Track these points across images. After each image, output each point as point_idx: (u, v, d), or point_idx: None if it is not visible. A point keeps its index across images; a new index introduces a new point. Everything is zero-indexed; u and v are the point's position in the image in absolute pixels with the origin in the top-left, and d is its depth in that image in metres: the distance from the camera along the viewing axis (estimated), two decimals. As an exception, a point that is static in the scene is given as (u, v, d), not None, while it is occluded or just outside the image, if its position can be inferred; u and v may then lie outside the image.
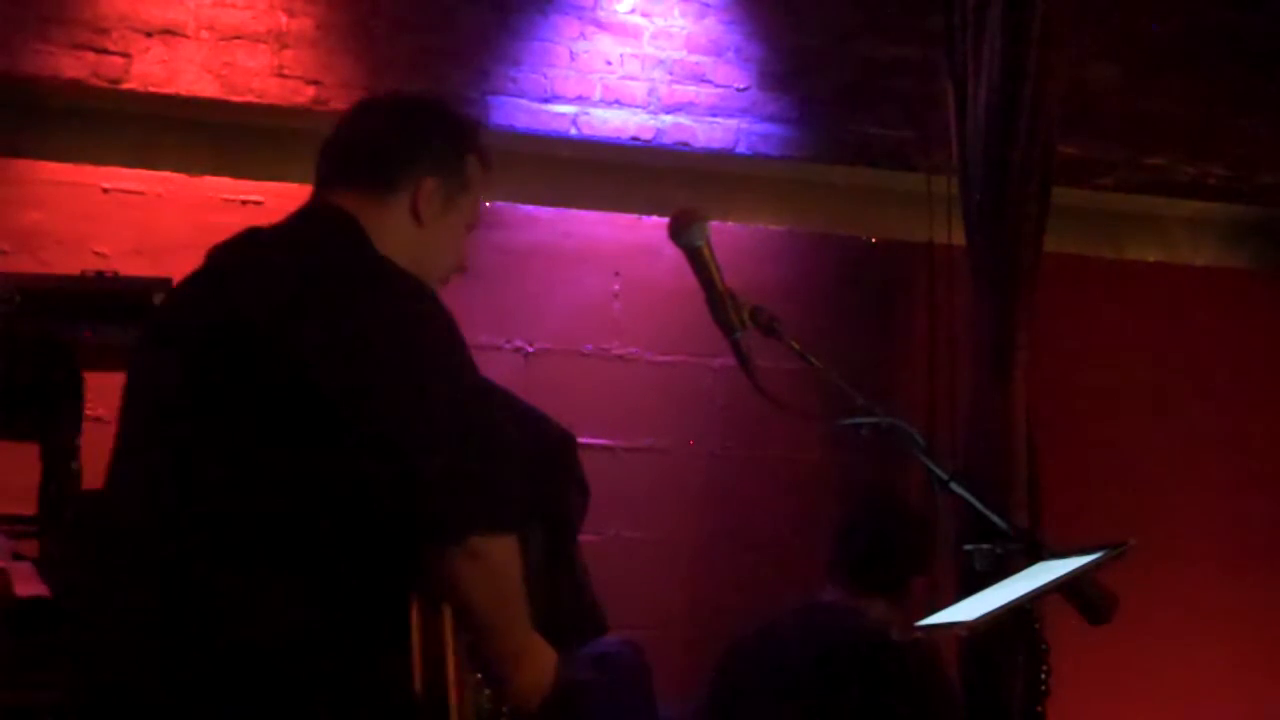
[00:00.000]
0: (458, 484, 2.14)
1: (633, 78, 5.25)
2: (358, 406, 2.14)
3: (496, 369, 4.64)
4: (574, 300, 5.12)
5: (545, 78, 5.16)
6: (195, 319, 2.30)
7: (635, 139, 5.23)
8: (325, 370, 2.14)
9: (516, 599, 2.28)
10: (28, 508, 3.40)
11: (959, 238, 5.06)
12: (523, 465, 2.23)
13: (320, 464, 2.14)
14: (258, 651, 2.13)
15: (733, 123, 5.34)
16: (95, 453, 2.77)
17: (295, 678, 2.13)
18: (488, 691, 2.30)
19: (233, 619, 2.14)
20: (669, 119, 5.28)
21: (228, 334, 2.21)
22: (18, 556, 3.26)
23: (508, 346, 4.99)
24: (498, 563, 2.19)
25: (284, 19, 4.93)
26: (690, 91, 5.31)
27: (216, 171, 4.82)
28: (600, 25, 5.24)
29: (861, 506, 4.32)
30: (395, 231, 2.42)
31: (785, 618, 4.11)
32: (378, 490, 2.12)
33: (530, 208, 5.08)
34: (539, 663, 2.39)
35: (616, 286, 5.17)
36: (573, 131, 5.17)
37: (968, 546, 3.05)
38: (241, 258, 2.36)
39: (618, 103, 5.22)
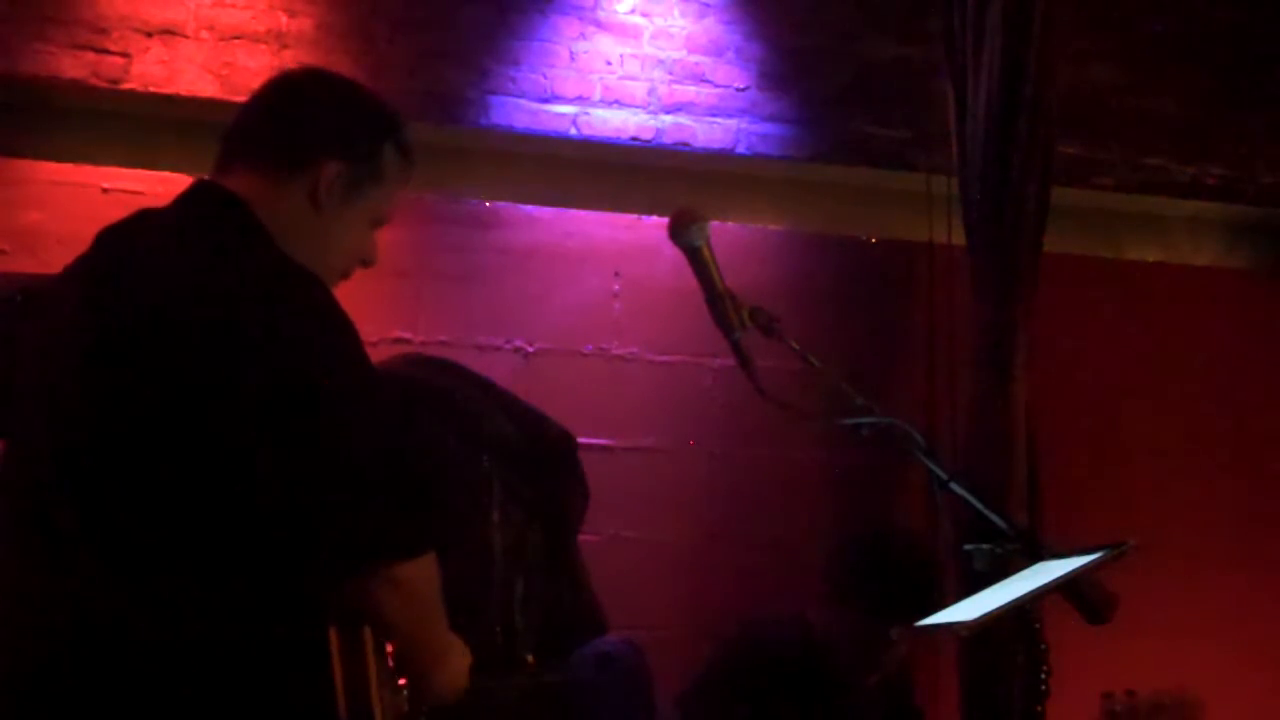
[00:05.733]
0: (370, 515, 2.05)
1: (633, 78, 5.25)
2: (257, 439, 2.03)
3: (496, 369, 4.66)
4: (574, 300, 5.11)
5: (545, 78, 5.16)
6: (91, 324, 2.16)
7: (635, 139, 5.23)
8: (222, 399, 2.03)
9: (436, 611, 2.22)
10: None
11: (959, 238, 5.05)
12: (432, 475, 2.14)
13: (222, 493, 2.03)
14: (167, 681, 2.03)
15: (733, 123, 5.33)
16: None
17: (208, 709, 2.04)
18: (406, 692, 2.27)
19: (138, 645, 2.04)
20: (669, 119, 5.27)
21: (124, 345, 2.10)
22: None
23: (508, 346, 4.98)
24: (417, 585, 2.12)
25: (284, 19, 4.93)
26: (690, 91, 5.31)
27: (216, 172, 4.82)
28: (600, 25, 5.24)
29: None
30: (290, 216, 2.28)
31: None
32: (286, 522, 2.03)
33: (530, 208, 5.08)
34: (455, 662, 2.33)
35: (616, 286, 5.17)
36: (573, 131, 5.16)
37: (968, 546, 3.05)
38: (134, 261, 2.22)
39: (618, 103, 5.22)
